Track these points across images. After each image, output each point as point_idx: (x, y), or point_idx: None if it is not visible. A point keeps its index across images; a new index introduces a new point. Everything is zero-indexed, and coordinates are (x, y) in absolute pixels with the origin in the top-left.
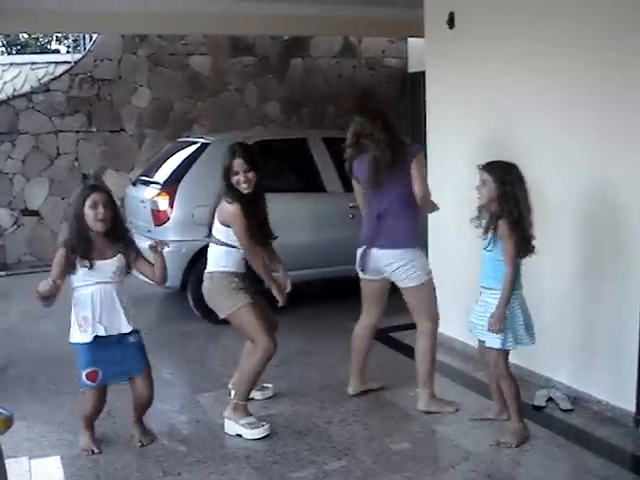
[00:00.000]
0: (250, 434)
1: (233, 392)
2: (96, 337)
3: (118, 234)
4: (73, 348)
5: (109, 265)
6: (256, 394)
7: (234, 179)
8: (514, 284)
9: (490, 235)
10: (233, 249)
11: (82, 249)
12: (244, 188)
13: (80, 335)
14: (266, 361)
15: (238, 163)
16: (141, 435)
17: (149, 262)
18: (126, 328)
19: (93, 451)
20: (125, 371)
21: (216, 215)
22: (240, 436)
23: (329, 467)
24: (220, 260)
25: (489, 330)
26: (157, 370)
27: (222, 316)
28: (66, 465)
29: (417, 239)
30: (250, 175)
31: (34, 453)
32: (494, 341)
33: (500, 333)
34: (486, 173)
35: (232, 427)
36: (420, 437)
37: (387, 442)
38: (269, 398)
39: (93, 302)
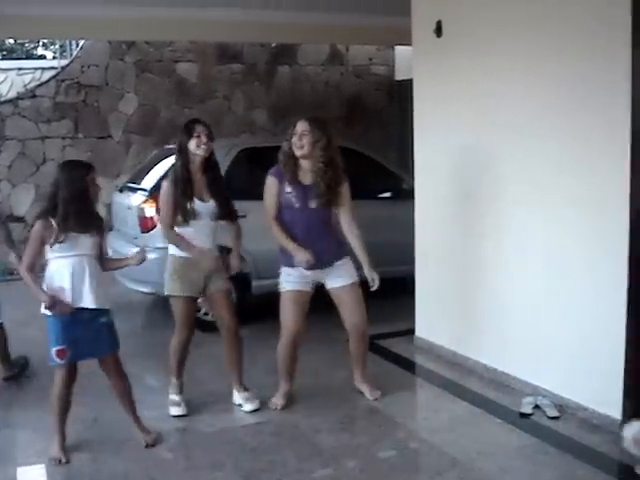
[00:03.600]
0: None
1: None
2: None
3: (95, 211)
4: (46, 320)
5: (90, 238)
6: (246, 406)
7: None
8: None
9: None
10: None
11: (75, 222)
12: None
13: None
14: (179, 350)
15: None
16: (144, 435)
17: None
18: (89, 303)
19: (61, 460)
20: (95, 351)
21: None
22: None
23: (316, 475)
24: None
25: None
26: (143, 377)
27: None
28: (51, 473)
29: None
30: None
31: (20, 461)
32: None
33: None
34: None
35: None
36: (407, 445)
37: (374, 450)
38: (256, 410)
39: (71, 273)
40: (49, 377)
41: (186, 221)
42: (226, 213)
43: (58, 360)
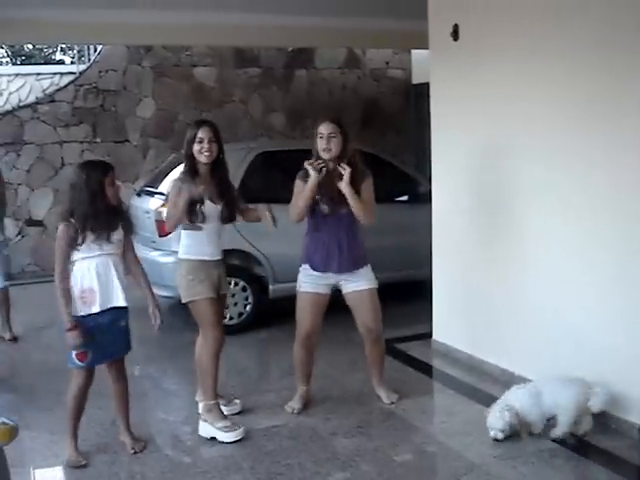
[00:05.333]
0: (225, 437)
1: (200, 405)
2: (91, 316)
3: (121, 209)
4: None
5: (114, 237)
6: (223, 408)
7: None
8: None
9: None
10: None
11: (96, 222)
12: None
13: (84, 307)
14: (217, 353)
15: None
16: (132, 442)
17: (134, 251)
18: (121, 301)
19: (79, 463)
20: (112, 353)
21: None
22: (214, 439)
23: (333, 478)
24: None
25: None
26: (161, 381)
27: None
28: (69, 475)
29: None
30: None
31: (38, 463)
32: None
33: None
34: None
35: (207, 429)
36: (424, 449)
37: (391, 454)
38: (237, 414)
39: (98, 273)
40: (66, 379)
41: (193, 222)
42: (235, 214)
43: (78, 362)
